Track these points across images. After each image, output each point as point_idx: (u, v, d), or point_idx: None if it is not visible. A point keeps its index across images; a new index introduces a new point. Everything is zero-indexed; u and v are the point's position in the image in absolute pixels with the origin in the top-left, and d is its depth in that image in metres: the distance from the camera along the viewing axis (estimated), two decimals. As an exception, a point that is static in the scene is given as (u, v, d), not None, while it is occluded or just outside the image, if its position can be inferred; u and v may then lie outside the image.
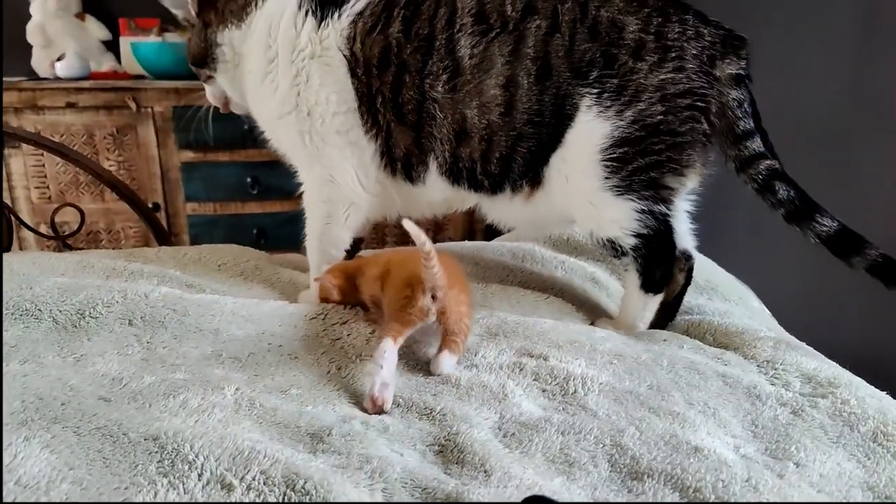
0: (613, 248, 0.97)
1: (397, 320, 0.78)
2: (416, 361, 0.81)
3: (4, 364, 0.74)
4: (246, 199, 2.32)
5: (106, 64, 2.41)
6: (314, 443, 0.64)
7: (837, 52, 1.58)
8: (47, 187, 2.15)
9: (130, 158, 2.20)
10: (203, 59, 1.10)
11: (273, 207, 2.36)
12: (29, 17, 2.29)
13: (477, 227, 2.62)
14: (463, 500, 0.56)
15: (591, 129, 0.92)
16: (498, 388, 0.75)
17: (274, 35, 1.04)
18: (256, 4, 1.06)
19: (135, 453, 0.60)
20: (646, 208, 0.93)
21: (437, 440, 0.66)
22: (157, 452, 0.60)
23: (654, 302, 1.00)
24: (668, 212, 0.95)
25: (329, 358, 0.80)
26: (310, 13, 1.03)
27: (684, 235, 1.03)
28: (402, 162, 1.04)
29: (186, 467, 0.58)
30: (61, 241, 1.25)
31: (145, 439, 0.61)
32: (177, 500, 0.55)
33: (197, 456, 0.59)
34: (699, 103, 0.90)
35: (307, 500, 0.55)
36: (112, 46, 2.45)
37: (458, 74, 0.96)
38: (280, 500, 0.55)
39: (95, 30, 2.42)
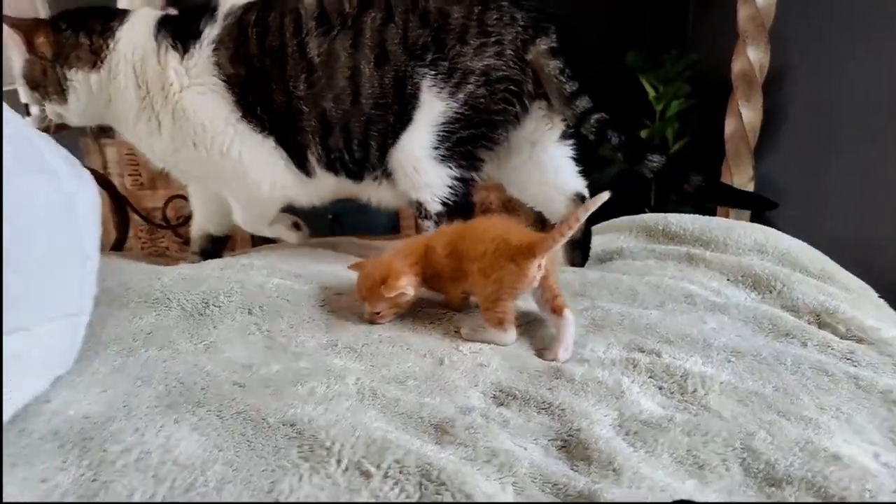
0: (419, 210, 1.12)
1: (504, 297, 0.81)
2: (526, 355, 0.82)
3: (144, 349, 0.79)
4: (321, 185, 2.40)
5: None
6: (438, 434, 0.65)
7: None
8: (139, 174, 2.27)
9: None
10: (42, 86, 1.14)
11: (346, 194, 2.43)
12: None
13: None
14: (598, 499, 0.56)
15: (431, 107, 1.07)
16: (614, 385, 0.74)
17: (141, 76, 1.11)
18: (109, 47, 1.11)
19: (276, 438, 0.63)
20: (460, 176, 1.10)
21: (559, 435, 0.66)
22: (295, 438, 0.62)
23: None
24: (476, 179, 1.12)
25: (441, 349, 0.81)
26: (170, 48, 1.10)
27: (573, 177, 1.19)
28: (295, 160, 1.15)
29: (325, 453, 0.60)
30: (172, 230, 1.32)
31: (283, 424, 0.64)
32: (320, 485, 0.57)
33: (333, 443, 0.61)
34: (513, 87, 1.06)
35: (443, 491, 0.56)
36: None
37: (312, 72, 1.08)
38: (417, 490, 0.57)
39: (183, 23, 2.51)
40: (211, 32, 1.11)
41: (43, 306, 0.60)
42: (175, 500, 0.55)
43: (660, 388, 0.75)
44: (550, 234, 0.79)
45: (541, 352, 0.82)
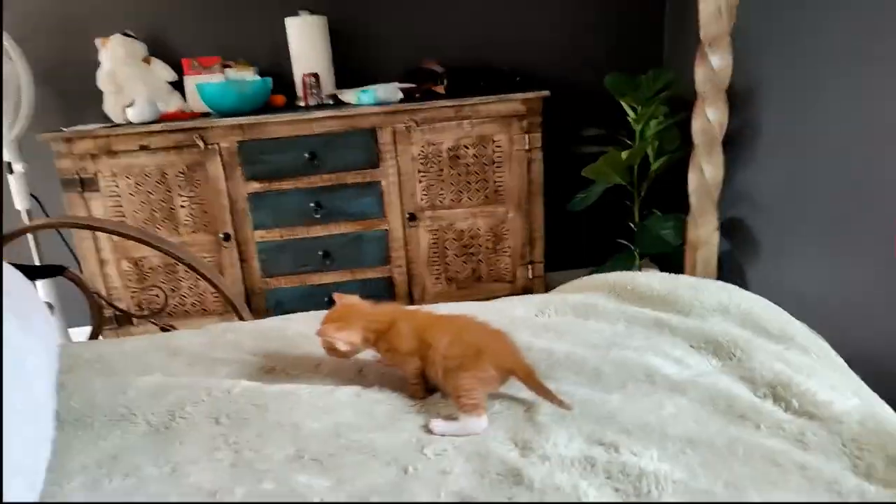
0: None
1: (479, 388, 0.88)
2: (488, 451, 0.83)
3: (108, 479, 0.80)
4: (311, 223, 2.42)
5: (173, 104, 2.51)
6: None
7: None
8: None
9: (201, 193, 2.31)
10: None
11: (337, 229, 2.46)
12: (98, 65, 2.41)
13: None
14: None
15: None
16: (571, 491, 0.75)
17: None
18: None
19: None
20: None
21: (514, 556, 0.68)
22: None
23: None
24: None
25: (406, 455, 0.83)
26: None
27: None
28: None
29: None
30: (147, 318, 1.33)
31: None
32: None
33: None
34: None
35: None
36: (177, 85, 2.55)
37: None
38: None
39: (161, 72, 2.51)
40: None
41: None
42: None
43: (616, 490, 0.76)
44: (541, 388, 0.89)
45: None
